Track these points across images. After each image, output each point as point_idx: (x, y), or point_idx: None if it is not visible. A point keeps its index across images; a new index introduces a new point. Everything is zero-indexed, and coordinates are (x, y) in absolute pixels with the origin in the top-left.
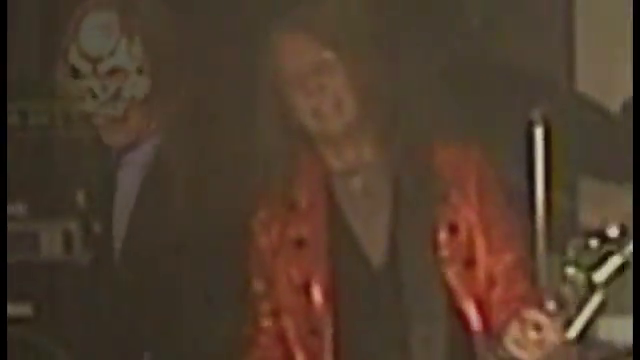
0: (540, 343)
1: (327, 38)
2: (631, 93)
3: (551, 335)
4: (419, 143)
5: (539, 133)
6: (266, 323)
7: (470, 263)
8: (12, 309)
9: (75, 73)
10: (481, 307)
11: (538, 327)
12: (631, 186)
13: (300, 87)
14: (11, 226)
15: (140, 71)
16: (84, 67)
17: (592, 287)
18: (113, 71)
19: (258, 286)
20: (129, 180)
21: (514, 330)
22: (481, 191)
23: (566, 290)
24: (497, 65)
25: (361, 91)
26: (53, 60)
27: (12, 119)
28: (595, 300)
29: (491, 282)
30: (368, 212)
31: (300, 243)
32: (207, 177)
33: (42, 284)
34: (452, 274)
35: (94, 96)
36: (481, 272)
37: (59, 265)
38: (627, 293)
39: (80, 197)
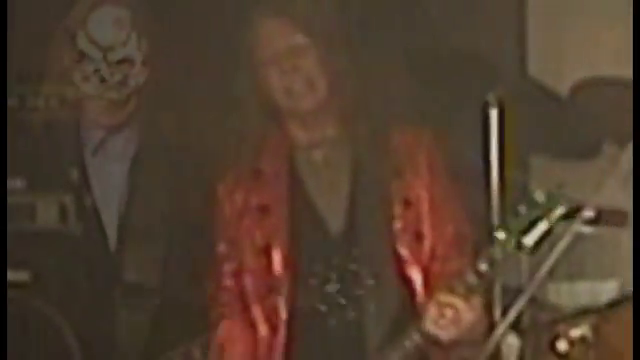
0: (456, 322)
1: (302, 24)
2: (579, 76)
3: (467, 315)
4: (380, 124)
5: (494, 114)
6: (228, 282)
7: (419, 236)
8: (11, 275)
9: (82, 57)
10: (427, 278)
11: (454, 307)
12: (580, 163)
13: (275, 67)
14: (10, 199)
15: (144, 62)
16: (94, 54)
17: (522, 249)
18: (122, 60)
19: (222, 248)
20: (117, 157)
21: (432, 310)
22: (432, 171)
23: (496, 252)
24: (454, 52)
25: (331, 74)
26: (47, 45)
27: (12, 102)
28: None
29: (433, 255)
30: (328, 183)
31: (263, 209)
32: (184, 150)
33: (39, 252)
34: (403, 245)
35: (102, 80)
36: (427, 245)
37: (54, 235)
38: (574, 261)
39: (74, 173)
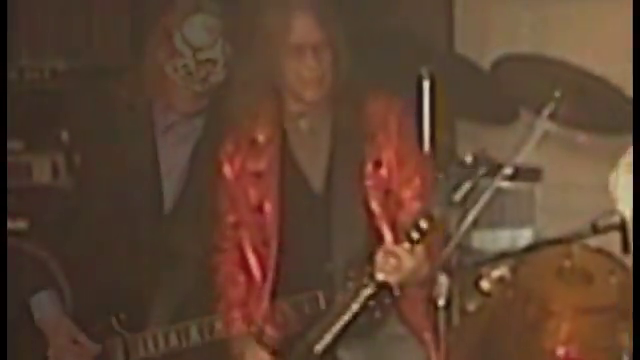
0: (398, 269)
1: (325, 19)
2: (500, 53)
3: (408, 262)
4: (354, 96)
5: (426, 85)
6: (228, 233)
7: (388, 192)
8: (10, 224)
9: (175, 53)
10: (394, 228)
11: (397, 257)
12: (500, 128)
13: (297, 57)
14: (10, 158)
15: (225, 64)
16: (186, 52)
17: (452, 204)
18: (208, 60)
19: (223, 204)
20: (183, 140)
21: (379, 258)
22: (400, 134)
23: (435, 210)
24: (390, 32)
25: (338, 64)
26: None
27: (11, 75)
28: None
29: (399, 206)
30: (312, 148)
31: (257, 174)
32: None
33: (35, 203)
34: (374, 200)
35: (189, 73)
36: (394, 199)
37: (48, 188)
38: (495, 211)
39: (64, 136)
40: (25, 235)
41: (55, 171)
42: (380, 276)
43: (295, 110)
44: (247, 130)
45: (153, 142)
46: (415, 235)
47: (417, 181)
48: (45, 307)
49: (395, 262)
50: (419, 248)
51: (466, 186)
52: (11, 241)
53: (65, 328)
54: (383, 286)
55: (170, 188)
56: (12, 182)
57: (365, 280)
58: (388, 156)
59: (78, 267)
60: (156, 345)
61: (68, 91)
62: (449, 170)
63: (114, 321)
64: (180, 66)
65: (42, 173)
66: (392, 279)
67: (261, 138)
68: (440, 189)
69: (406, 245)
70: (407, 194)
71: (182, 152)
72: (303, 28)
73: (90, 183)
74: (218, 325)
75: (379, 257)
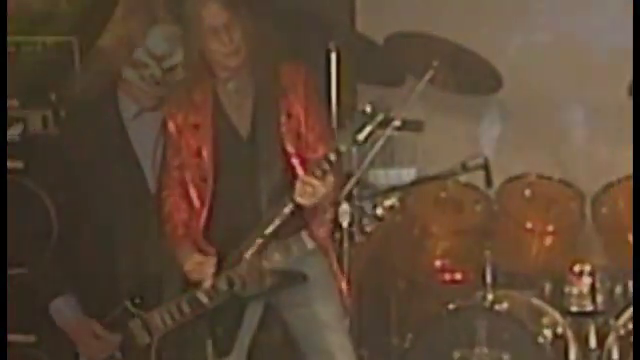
0: (313, 195)
1: (229, 3)
2: (391, 31)
3: (320, 189)
4: (271, 62)
5: (333, 57)
6: (174, 174)
7: (299, 136)
8: (10, 164)
9: (138, 64)
10: (303, 164)
11: (311, 185)
12: (391, 89)
13: (216, 37)
14: (9, 113)
15: (183, 67)
16: (150, 62)
17: (355, 141)
18: (171, 67)
19: (170, 152)
20: (150, 124)
21: (299, 186)
22: (306, 92)
23: (340, 145)
24: (301, 13)
25: (248, 38)
26: None
27: (10, 49)
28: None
29: (307, 147)
30: (238, 104)
31: (196, 125)
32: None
33: (29, 148)
34: (288, 143)
35: (157, 83)
36: (303, 141)
37: (39, 136)
38: (387, 154)
39: (52, 96)
40: (22, 172)
41: (45, 123)
42: (299, 199)
43: (222, 76)
44: (186, 93)
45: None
46: (326, 166)
47: (319, 127)
48: (63, 312)
49: (310, 189)
50: (329, 178)
51: (367, 129)
52: (11, 177)
53: (85, 327)
54: (300, 207)
55: (145, 161)
56: (11, 131)
57: (286, 202)
58: (297, 109)
59: (69, 204)
60: (172, 317)
61: (55, 61)
62: (354, 117)
63: (129, 305)
64: (147, 75)
65: (34, 124)
66: (307, 202)
67: (197, 99)
68: (346, 132)
69: (318, 174)
70: (312, 137)
71: (149, 135)
72: (213, 13)
73: (72, 132)
74: (222, 285)
75: (298, 185)
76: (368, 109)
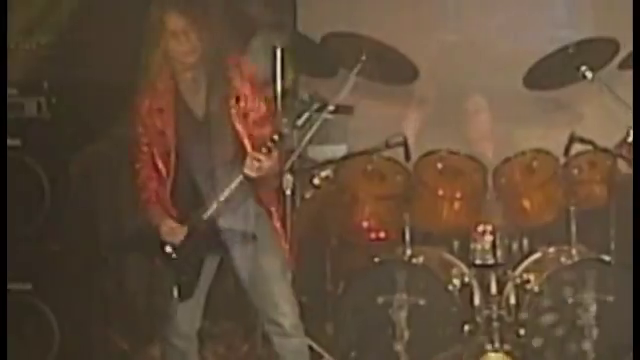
0: (260, 168)
1: (185, 11)
2: (326, 31)
3: (266, 163)
4: (221, 57)
5: (279, 53)
6: (143, 149)
7: (246, 115)
8: (10, 142)
9: None
10: (251, 140)
11: (259, 160)
12: (326, 79)
13: (175, 38)
14: (9, 100)
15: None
16: None
17: (296, 126)
18: None
19: (139, 130)
20: None
21: (248, 161)
22: (250, 80)
23: (283, 127)
24: (252, 16)
25: (202, 39)
26: None
27: (10, 46)
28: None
29: (253, 125)
30: (194, 91)
31: (160, 110)
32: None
33: (26, 129)
34: (237, 122)
35: None
36: (250, 120)
37: (34, 119)
38: (323, 133)
39: (45, 85)
40: (20, 150)
41: (39, 108)
42: (248, 172)
43: (181, 69)
44: (152, 82)
45: None
46: (270, 144)
47: (263, 109)
48: None
49: (258, 163)
50: (273, 154)
51: (305, 115)
52: (10, 153)
53: None
54: (249, 179)
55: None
56: (10, 115)
57: (237, 173)
58: (244, 93)
59: (62, 178)
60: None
61: (48, 56)
62: (294, 105)
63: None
64: None
65: (30, 109)
66: (255, 174)
67: (161, 87)
68: (289, 116)
69: (265, 150)
70: (257, 117)
71: None
72: (173, 20)
73: (62, 115)
74: (186, 241)
75: (247, 160)
76: (306, 98)
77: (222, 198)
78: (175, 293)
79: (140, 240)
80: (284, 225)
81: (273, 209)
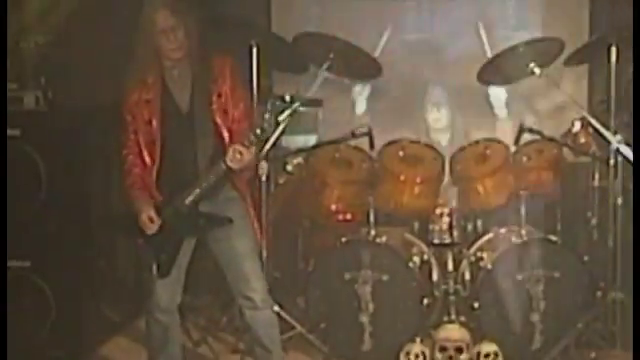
0: (241, 160)
1: (175, 11)
2: (297, 32)
3: (246, 156)
4: (205, 55)
5: (254, 51)
6: (131, 137)
7: (225, 112)
8: (10, 132)
9: None
10: (230, 135)
11: (241, 153)
12: (298, 76)
13: (164, 36)
14: (9, 93)
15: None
16: None
17: (277, 123)
18: None
19: (128, 119)
20: None
21: (230, 153)
22: (231, 78)
23: (265, 123)
24: (226, 18)
25: (189, 37)
26: None
27: (10, 44)
28: (279, 129)
29: (232, 121)
30: (180, 86)
31: (148, 101)
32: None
33: (25, 120)
34: (218, 117)
35: None
36: (230, 117)
37: (33, 111)
38: (294, 124)
39: (42, 80)
40: (19, 139)
41: (37, 101)
42: (229, 163)
43: (168, 65)
44: (141, 77)
45: None
46: (253, 139)
47: (242, 106)
48: None
49: (239, 156)
50: (253, 148)
51: (286, 112)
52: (10, 143)
53: None
54: (230, 169)
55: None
56: (10, 107)
57: (219, 163)
58: (225, 90)
59: (55, 161)
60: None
61: (45, 55)
62: (274, 103)
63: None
64: None
65: (29, 102)
66: (236, 166)
67: (150, 81)
68: (269, 112)
69: (246, 144)
70: (237, 113)
71: None
72: (163, 19)
73: (57, 107)
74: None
75: (230, 151)
76: (287, 97)
77: (204, 185)
78: (154, 270)
79: (126, 221)
80: (259, 208)
81: (247, 194)
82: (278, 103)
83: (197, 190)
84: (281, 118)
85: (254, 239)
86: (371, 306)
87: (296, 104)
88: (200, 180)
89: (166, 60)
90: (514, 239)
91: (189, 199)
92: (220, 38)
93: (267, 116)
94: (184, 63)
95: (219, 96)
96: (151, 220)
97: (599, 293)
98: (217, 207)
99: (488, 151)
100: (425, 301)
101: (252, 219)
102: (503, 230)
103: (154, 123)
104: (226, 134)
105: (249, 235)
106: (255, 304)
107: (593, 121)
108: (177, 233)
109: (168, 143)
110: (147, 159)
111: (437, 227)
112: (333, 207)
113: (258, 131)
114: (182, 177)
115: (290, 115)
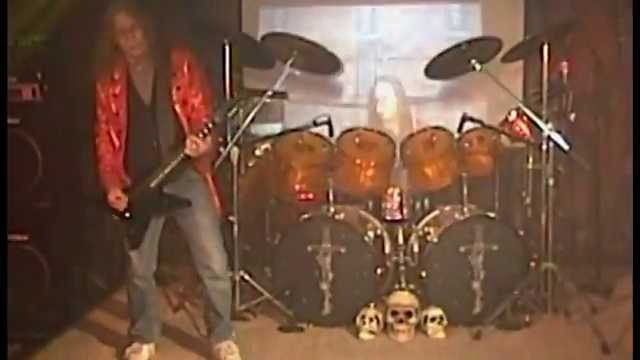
0: (197, 149)
1: (132, 13)
2: (265, 31)
3: (202, 146)
4: (165, 51)
5: (227, 49)
6: (102, 126)
7: (185, 102)
8: (10, 121)
9: None
10: (190, 124)
11: (196, 143)
12: (267, 71)
13: (124, 36)
14: (9, 87)
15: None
16: None
17: (227, 117)
18: None
19: (99, 110)
20: None
21: (188, 143)
22: (190, 70)
23: (222, 111)
24: (205, 17)
25: (147, 36)
26: None
27: (10, 42)
28: (248, 118)
29: (192, 110)
30: (143, 80)
31: (115, 95)
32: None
33: (23, 110)
34: (178, 107)
35: None
36: (189, 106)
37: (30, 102)
38: (262, 114)
39: (39, 74)
40: (18, 127)
41: (34, 93)
42: (187, 151)
43: (132, 61)
44: (109, 73)
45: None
46: (206, 130)
47: (201, 96)
48: None
49: (195, 146)
50: (208, 138)
51: (255, 100)
52: (10, 130)
53: None
54: (188, 157)
55: None
56: (10, 99)
57: (179, 152)
58: (184, 83)
59: (50, 148)
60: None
61: (41, 52)
62: (245, 94)
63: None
64: None
65: (27, 94)
66: (193, 154)
67: (116, 76)
68: (221, 108)
69: (201, 135)
70: (196, 103)
71: None
72: (121, 20)
73: (52, 98)
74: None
75: (187, 142)
76: (250, 88)
77: (166, 170)
78: (127, 242)
79: (104, 201)
80: (217, 187)
81: (208, 175)
82: (230, 102)
83: (161, 175)
84: (230, 113)
85: (215, 215)
86: (330, 275)
87: (268, 93)
88: (163, 165)
89: (128, 57)
90: (457, 216)
91: (154, 182)
92: (197, 38)
93: (218, 110)
94: (145, 60)
95: (178, 89)
96: (118, 199)
97: (532, 264)
98: (180, 188)
99: (434, 138)
100: (379, 271)
101: (213, 197)
102: (447, 208)
103: (121, 114)
104: (185, 122)
105: (210, 211)
106: (214, 274)
107: (527, 111)
108: (144, 213)
109: (134, 132)
110: (116, 145)
111: (389, 205)
112: (297, 187)
113: (210, 125)
114: (147, 163)
115: (252, 102)
